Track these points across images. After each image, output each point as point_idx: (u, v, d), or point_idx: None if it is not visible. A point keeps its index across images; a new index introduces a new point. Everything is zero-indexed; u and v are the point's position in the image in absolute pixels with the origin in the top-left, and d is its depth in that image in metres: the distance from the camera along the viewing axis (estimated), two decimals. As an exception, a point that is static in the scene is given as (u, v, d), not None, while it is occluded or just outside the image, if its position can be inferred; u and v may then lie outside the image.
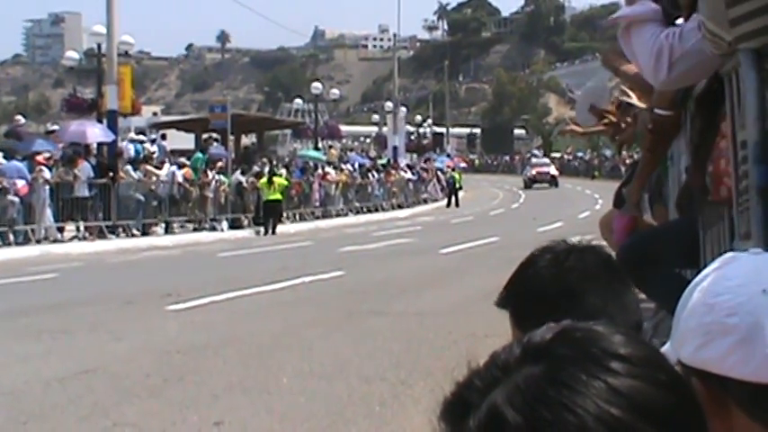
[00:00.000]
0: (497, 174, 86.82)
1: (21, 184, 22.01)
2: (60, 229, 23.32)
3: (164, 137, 35.31)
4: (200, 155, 31.13)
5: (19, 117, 32.86)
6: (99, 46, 28.71)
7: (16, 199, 21.78)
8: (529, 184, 63.81)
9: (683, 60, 3.12)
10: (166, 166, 27.60)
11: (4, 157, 23.03)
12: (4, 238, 21.81)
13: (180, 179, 27.46)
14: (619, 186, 5.76)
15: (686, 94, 3.68)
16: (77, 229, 23.89)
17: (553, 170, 66.05)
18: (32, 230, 22.32)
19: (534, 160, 73.48)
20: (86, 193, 23.98)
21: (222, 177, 28.85)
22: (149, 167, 26.92)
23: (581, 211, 33.18)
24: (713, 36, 2.89)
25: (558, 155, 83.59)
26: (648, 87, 3.90)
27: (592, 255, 1.79)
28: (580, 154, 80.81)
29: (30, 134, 31.00)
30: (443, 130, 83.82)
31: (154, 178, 26.49)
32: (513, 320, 1.80)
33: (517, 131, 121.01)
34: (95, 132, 26.02)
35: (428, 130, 77.35)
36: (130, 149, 28.62)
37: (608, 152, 69.38)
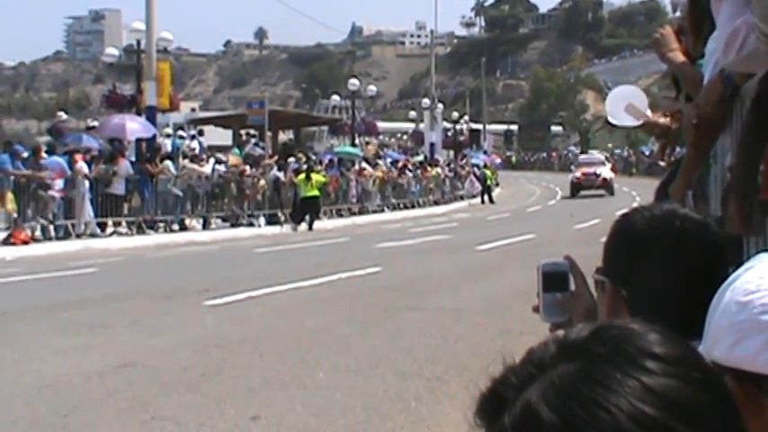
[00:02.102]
0: (534, 170, 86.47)
1: (59, 185, 22.22)
2: (101, 225, 23.53)
3: (201, 133, 35.52)
4: (236, 151, 31.29)
5: (61, 113, 33.23)
6: (138, 42, 28.93)
7: (57, 194, 22.00)
8: (575, 190, 49.50)
9: (754, 48, 3.10)
10: (211, 161, 27.83)
11: (47, 152, 23.28)
12: (45, 233, 22.05)
13: (222, 170, 27.70)
14: (660, 183, 5.72)
15: (734, 92, 3.65)
16: (116, 224, 24.10)
17: (606, 171, 50.45)
18: (73, 225, 22.53)
19: (582, 157, 58.99)
20: (125, 189, 24.18)
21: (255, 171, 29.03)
22: (192, 164, 27.13)
23: (619, 208, 32.83)
24: (766, 37, 2.88)
25: (595, 152, 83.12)
26: (694, 78, 3.87)
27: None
28: (618, 151, 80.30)
29: (71, 130, 31.31)
30: (480, 126, 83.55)
31: (195, 175, 26.67)
32: (612, 289, 1.80)
33: (554, 128, 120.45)
34: (135, 127, 26.21)
35: (465, 126, 77.11)
36: (167, 144, 28.82)
37: (646, 149, 68.89)
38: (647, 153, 66.81)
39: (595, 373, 0.89)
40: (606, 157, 59.01)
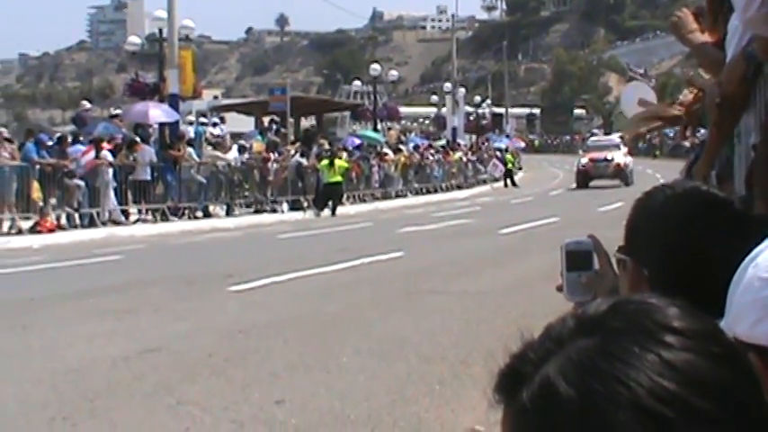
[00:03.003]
0: (557, 154, 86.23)
1: (86, 158, 22.42)
2: (125, 212, 23.65)
3: (222, 120, 35.59)
4: (259, 137, 31.35)
5: (85, 102, 33.39)
6: (160, 31, 28.99)
7: (82, 183, 22.13)
8: (582, 180, 41.85)
9: None
10: (234, 147, 27.92)
11: (72, 141, 23.44)
12: (70, 221, 22.19)
13: (245, 157, 27.82)
14: (687, 164, 5.70)
15: (757, 69, 3.62)
16: (140, 211, 24.22)
17: (620, 156, 41.82)
18: (97, 213, 22.65)
19: (591, 140, 50.82)
20: (148, 176, 24.29)
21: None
22: (215, 151, 27.23)
23: (642, 191, 32.79)
24: None
25: (619, 134, 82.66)
26: (714, 58, 3.85)
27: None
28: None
29: (94, 119, 31.46)
30: (502, 110, 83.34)
31: (218, 162, 26.77)
32: (634, 268, 1.80)
33: (577, 111, 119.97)
34: (158, 113, 26.31)
35: (487, 110, 76.92)
36: (190, 132, 28.91)
37: (669, 131, 68.49)
38: (671, 135, 66.43)
39: (613, 347, 0.88)
40: (621, 138, 54.52)
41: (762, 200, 3.44)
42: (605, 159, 41.88)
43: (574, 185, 42.35)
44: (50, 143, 22.91)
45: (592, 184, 41.30)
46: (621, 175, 41.31)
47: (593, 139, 53.30)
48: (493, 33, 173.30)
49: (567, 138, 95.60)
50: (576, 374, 0.88)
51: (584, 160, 43.01)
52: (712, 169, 4.40)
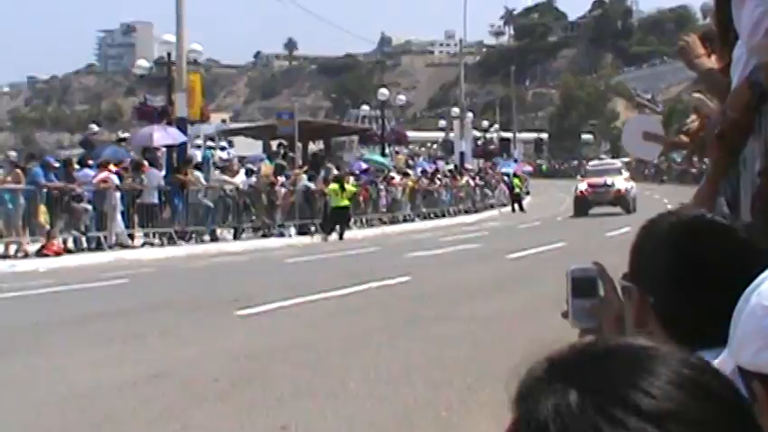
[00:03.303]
0: (565, 179, 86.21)
1: (100, 177, 22.50)
2: (132, 236, 23.66)
3: (230, 144, 35.69)
4: (267, 161, 31.41)
5: (93, 125, 33.57)
6: (169, 55, 29.14)
7: (89, 206, 22.17)
8: (580, 208, 38.75)
9: None
10: (242, 171, 27.97)
11: (79, 164, 23.50)
12: (77, 244, 22.21)
13: (252, 181, 27.85)
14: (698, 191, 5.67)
15: (763, 96, 3.62)
16: (146, 235, 24.24)
17: (621, 182, 39.30)
18: (104, 237, 22.68)
19: (591, 164, 48.01)
20: (156, 200, 24.32)
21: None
22: (223, 175, 27.28)
23: (648, 218, 32.71)
24: None
25: (627, 160, 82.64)
26: (720, 85, 3.85)
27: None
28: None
29: (102, 142, 31.59)
30: (510, 135, 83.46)
31: (226, 186, 26.80)
32: (639, 295, 1.79)
33: (585, 136, 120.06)
34: (161, 135, 26.39)
35: (495, 135, 77.08)
36: (198, 155, 29.01)
37: (677, 156, 68.46)
38: (678, 160, 66.35)
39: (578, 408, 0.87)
40: (627, 163, 49.71)
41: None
42: (605, 185, 38.93)
43: (572, 213, 39.17)
44: (56, 164, 22.93)
45: (591, 211, 38.16)
46: (622, 201, 38.20)
47: (592, 163, 50.19)
48: (501, 58, 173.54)
49: (575, 163, 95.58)
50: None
51: (583, 186, 39.96)
52: (720, 196, 4.38)
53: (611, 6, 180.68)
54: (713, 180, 3.98)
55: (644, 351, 0.92)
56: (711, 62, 3.91)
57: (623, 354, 0.92)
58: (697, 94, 6.66)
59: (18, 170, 21.72)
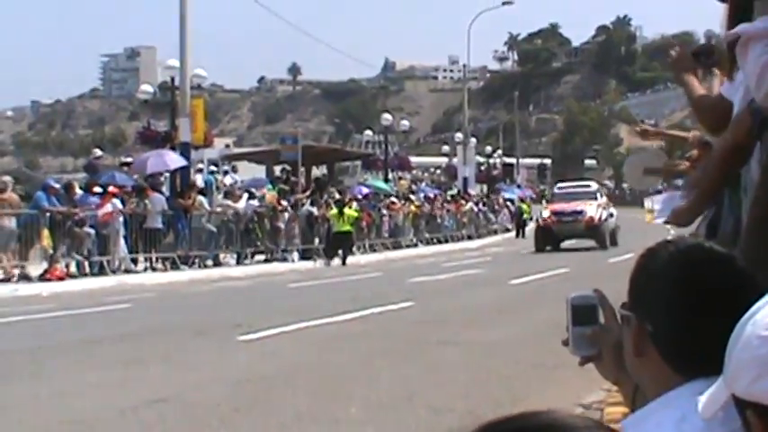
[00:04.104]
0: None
1: (102, 210, 22.51)
2: (134, 260, 23.67)
3: (234, 169, 35.75)
4: (270, 186, 31.45)
5: (96, 150, 33.62)
6: (173, 79, 29.23)
7: (92, 231, 22.19)
8: (542, 240, 32.68)
9: None
10: (245, 196, 28.00)
11: (82, 189, 23.51)
12: (80, 269, 22.22)
13: (255, 206, 27.87)
14: (702, 220, 5.70)
15: (763, 123, 3.64)
16: (149, 260, 24.24)
17: (594, 209, 32.32)
18: (107, 261, 22.69)
19: (559, 186, 39.31)
20: (160, 224, 24.35)
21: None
22: (226, 200, 27.32)
23: (653, 242, 32.67)
24: None
25: (629, 186, 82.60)
26: (700, 102, 3.90)
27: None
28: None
29: (106, 167, 31.66)
30: (513, 160, 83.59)
31: (229, 211, 26.82)
32: (637, 324, 1.80)
33: (588, 162, 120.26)
34: (157, 162, 26.44)
35: (498, 160, 77.17)
36: (200, 180, 29.06)
37: (680, 182, 68.34)
38: (679, 185, 66.17)
39: None
40: (605, 185, 43.47)
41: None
42: (574, 212, 32.26)
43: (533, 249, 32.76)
44: (56, 185, 22.92)
45: (551, 246, 32.54)
46: (596, 233, 31.92)
47: (560, 185, 40.25)
48: (504, 84, 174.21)
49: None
50: None
51: (546, 213, 33.57)
52: (705, 218, 4.37)
53: (615, 32, 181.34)
54: (702, 200, 3.99)
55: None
56: (696, 83, 3.96)
57: None
58: (696, 132, 6.68)
59: (11, 194, 21.51)
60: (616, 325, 2.06)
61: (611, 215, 33.70)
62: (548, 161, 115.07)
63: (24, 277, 20.85)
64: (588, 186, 36.40)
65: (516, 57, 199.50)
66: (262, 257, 28.10)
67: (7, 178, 22.61)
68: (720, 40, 3.84)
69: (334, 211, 29.39)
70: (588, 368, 2.16)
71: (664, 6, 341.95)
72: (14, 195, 21.76)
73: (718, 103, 3.82)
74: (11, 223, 20.92)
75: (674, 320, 1.74)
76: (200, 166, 34.39)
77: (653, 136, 7.82)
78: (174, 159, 26.70)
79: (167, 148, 28.16)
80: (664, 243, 1.86)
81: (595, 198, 33.92)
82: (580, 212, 32.28)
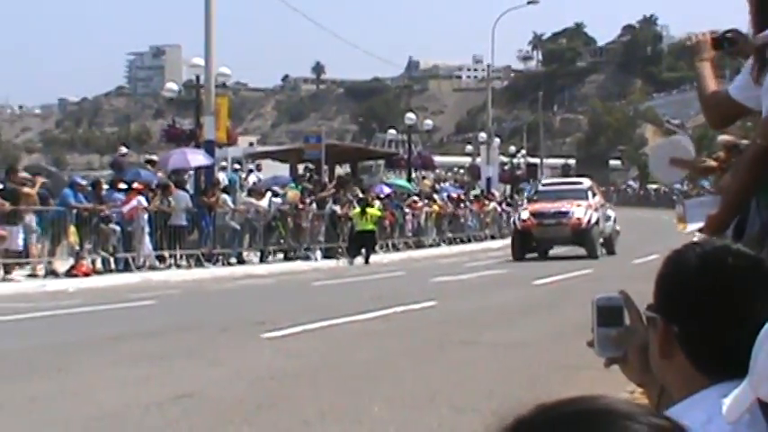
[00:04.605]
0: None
1: (127, 207, 22.60)
2: (160, 257, 23.78)
3: (258, 167, 35.83)
4: (293, 185, 31.50)
5: (122, 147, 33.74)
6: (197, 77, 29.34)
7: (118, 227, 22.32)
8: (520, 246, 28.43)
9: None
10: (268, 194, 28.07)
11: (109, 185, 23.65)
12: (105, 265, 22.36)
13: (278, 202, 27.94)
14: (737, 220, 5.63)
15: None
16: (174, 257, 24.33)
17: (582, 211, 27.92)
18: (132, 258, 22.81)
19: (544, 183, 36.37)
20: (185, 222, 24.45)
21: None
22: (249, 198, 27.39)
23: (678, 243, 32.49)
24: None
25: (655, 186, 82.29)
26: (715, 111, 3.89)
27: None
28: (678, 186, 79.45)
29: (131, 164, 31.79)
30: (537, 160, 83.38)
31: (252, 209, 26.90)
32: (663, 325, 1.81)
33: (613, 162, 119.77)
34: (177, 159, 26.65)
35: (522, 160, 77.02)
36: (224, 178, 29.16)
37: (706, 182, 67.89)
38: (706, 185, 65.65)
39: None
40: (629, 186, 39.62)
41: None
42: (558, 214, 27.85)
43: (601, 240, 29.08)
44: (83, 182, 23.06)
45: (532, 255, 28.69)
46: (584, 238, 27.61)
47: (546, 181, 36.91)
48: (528, 83, 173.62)
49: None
50: None
51: (525, 215, 28.94)
52: (733, 221, 4.35)
53: (641, 32, 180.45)
54: (733, 205, 3.98)
55: (607, 417, 0.95)
56: (712, 80, 3.94)
57: (586, 419, 0.95)
58: (725, 137, 6.63)
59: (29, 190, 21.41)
60: (641, 326, 2.07)
61: (608, 218, 29.71)
62: (572, 161, 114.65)
63: (51, 273, 21.00)
64: (578, 184, 31.42)
65: (541, 56, 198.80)
66: (285, 256, 28.16)
67: (31, 176, 22.67)
68: (749, 38, 3.82)
69: (357, 209, 29.42)
70: (613, 369, 2.17)
71: (691, 6, 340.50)
72: (32, 191, 21.40)
73: (724, 101, 3.82)
74: (31, 221, 20.93)
75: (700, 322, 1.75)
76: (224, 164, 34.48)
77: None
78: (195, 157, 26.82)
79: (192, 146, 28.28)
80: (690, 245, 1.88)
81: (585, 197, 29.02)
82: (565, 214, 27.85)
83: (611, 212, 30.23)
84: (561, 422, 0.95)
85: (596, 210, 28.60)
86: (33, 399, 8.19)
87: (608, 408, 0.96)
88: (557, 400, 0.99)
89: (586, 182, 31.61)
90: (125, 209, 22.60)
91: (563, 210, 28.03)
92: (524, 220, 28.55)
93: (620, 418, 0.95)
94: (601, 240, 28.77)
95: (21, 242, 20.43)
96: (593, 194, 29.82)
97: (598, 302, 2.14)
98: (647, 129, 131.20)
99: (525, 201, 33.69)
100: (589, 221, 27.82)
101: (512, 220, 30.57)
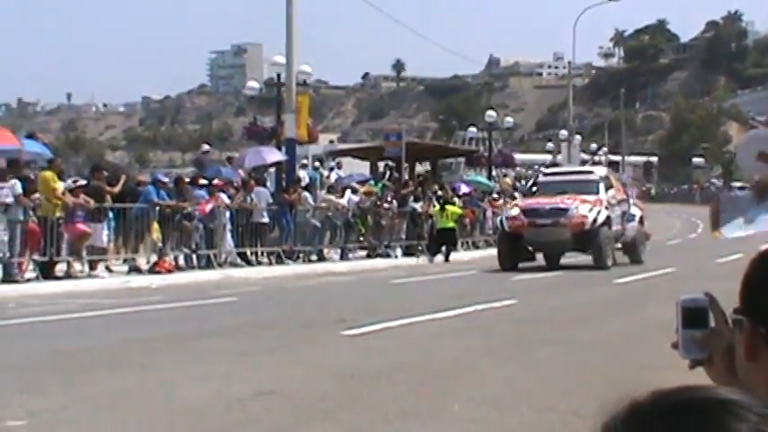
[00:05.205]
0: (674, 203, 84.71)
1: (210, 205, 22.87)
2: (242, 255, 24.02)
3: (339, 165, 36.02)
4: (373, 182, 31.60)
5: (204, 145, 34.16)
6: (278, 76, 29.59)
7: (200, 224, 22.61)
8: (507, 252, 23.66)
9: None
10: (348, 192, 28.21)
11: (190, 183, 23.97)
12: (188, 262, 22.66)
13: (359, 201, 28.06)
14: None
15: None
16: (255, 254, 24.56)
17: (586, 208, 22.84)
18: (214, 255, 23.08)
19: (545, 174, 28.73)
20: (266, 219, 24.67)
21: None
22: (329, 195, 27.56)
23: (764, 242, 32.00)
24: None
25: (739, 184, 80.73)
26: None
27: None
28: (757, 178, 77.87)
29: (213, 161, 32.18)
30: (619, 158, 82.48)
31: (332, 206, 27.06)
32: (750, 327, 1.79)
33: (696, 160, 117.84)
34: (252, 157, 26.92)
35: (603, 158, 76.24)
36: (305, 175, 29.36)
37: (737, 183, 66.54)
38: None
39: None
40: (712, 183, 33.93)
41: None
42: (555, 211, 22.95)
43: (619, 246, 25.00)
44: (165, 179, 23.41)
45: (525, 263, 23.91)
46: (589, 243, 22.80)
47: (546, 170, 30.63)
48: (610, 80, 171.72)
49: (685, 187, 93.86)
50: None
51: (514, 212, 24.05)
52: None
53: (725, 28, 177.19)
54: None
55: (723, 406, 0.95)
56: None
57: (702, 407, 0.95)
58: None
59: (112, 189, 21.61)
60: (727, 328, 2.04)
61: (630, 218, 24.75)
62: (654, 159, 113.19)
63: (135, 269, 21.35)
64: (588, 173, 25.87)
65: (622, 53, 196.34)
66: (363, 253, 28.26)
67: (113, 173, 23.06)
68: None
69: (437, 207, 29.40)
70: (698, 371, 2.15)
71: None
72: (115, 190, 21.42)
73: None
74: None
75: None
76: (305, 161, 34.71)
77: None
78: (271, 154, 27.05)
79: (273, 144, 28.52)
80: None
81: (595, 191, 23.51)
82: (564, 212, 22.73)
83: (635, 210, 25.57)
84: (677, 409, 0.96)
85: (609, 207, 23.36)
86: (117, 394, 8.32)
87: (724, 397, 0.97)
88: (673, 387, 1.00)
89: (600, 171, 27.06)
90: (206, 207, 22.85)
91: (562, 206, 22.96)
92: (513, 219, 23.57)
93: (737, 407, 0.96)
94: (618, 245, 24.55)
95: (105, 239, 20.82)
96: (608, 187, 24.28)
97: (683, 304, 2.12)
98: (732, 126, 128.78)
99: (519, 194, 28.21)
100: (595, 221, 22.70)
101: (498, 219, 25.30)
